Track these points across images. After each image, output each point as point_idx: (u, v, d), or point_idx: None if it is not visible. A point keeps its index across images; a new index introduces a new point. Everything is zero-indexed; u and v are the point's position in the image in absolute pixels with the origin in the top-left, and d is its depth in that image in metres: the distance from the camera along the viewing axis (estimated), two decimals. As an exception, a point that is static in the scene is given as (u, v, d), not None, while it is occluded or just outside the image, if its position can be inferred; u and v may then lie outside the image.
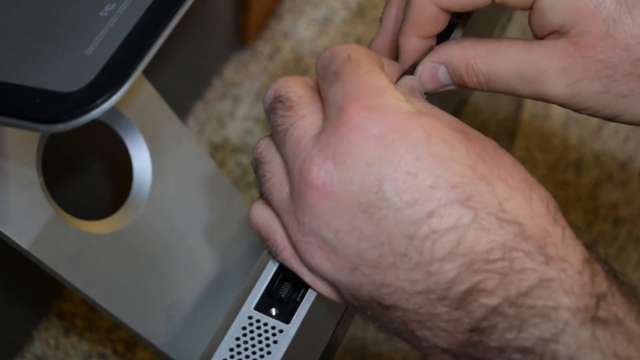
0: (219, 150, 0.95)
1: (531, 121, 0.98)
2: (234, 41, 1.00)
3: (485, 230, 0.44)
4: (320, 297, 0.48)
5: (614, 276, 0.45)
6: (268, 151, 0.48)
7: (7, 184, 0.58)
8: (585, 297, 0.43)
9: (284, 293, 0.48)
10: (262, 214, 0.49)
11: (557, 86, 0.51)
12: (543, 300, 0.43)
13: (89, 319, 0.84)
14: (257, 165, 0.49)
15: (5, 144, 0.59)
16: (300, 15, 1.04)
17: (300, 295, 0.48)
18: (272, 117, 0.48)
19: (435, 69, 0.52)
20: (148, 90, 0.68)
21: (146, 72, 0.63)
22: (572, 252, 0.44)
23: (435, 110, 0.47)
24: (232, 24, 0.98)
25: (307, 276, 0.47)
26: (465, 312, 0.44)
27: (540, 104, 0.99)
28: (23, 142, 0.60)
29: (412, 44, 0.52)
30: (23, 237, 0.59)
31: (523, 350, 0.43)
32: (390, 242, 0.44)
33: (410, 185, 0.44)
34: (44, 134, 0.61)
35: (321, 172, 0.45)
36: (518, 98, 0.88)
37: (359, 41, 1.02)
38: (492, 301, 0.43)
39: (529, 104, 0.98)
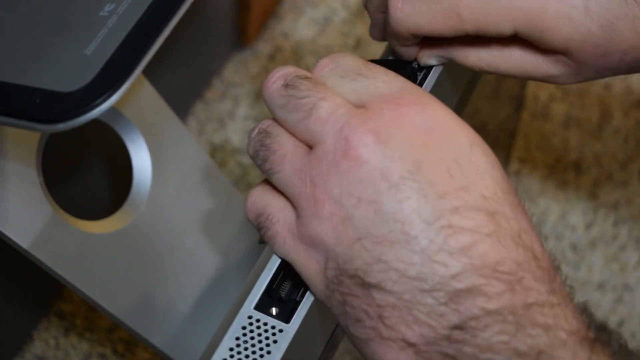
0: (219, 150, 0.94)
1: (531, 121, 0.98)
2: (234, 41, 1.00)
3: (501, 245, 0.44)
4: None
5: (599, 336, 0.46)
6: (275, 127, 0.48)
7: (7, 184, 0.58)
8: (582, 331, 0.44)
9: (284, 293, 0.48)
10: (262, 196, 0.48)
11: (567, 81, 0.53)
12: (544, 318, 0.43)
13: (89, 319, 0.84)
14: (262, 137, 0.48)
15: (5, 144, 0.59)
16: (300, 15, 1.04)
17: (300, 295, 0.48)
18: (291, 91, 0.47)
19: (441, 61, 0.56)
20: (148, 90, 0.68)
21: (146, 72, 0.63)
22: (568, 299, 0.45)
23: None
24: (232, 24, 0.98)
25: (295, 243, 0.47)
26: (453, 310, 0.43)
27: (540, 103, 0.98)
28: (23, 142, 0.60)
29: (397, 47, 0.55)
30: (23, 237, 0.59)
31: (516, 352, 0.43)
32: (404, 222, 0.44)
33: (445, 181, 0.44)
34: (44, 134, 0.61)
35: (361, 144, 0.45)
36: (518, 98, 0.89)
37: (358, 41, 1.02)
38: (491, 305, 0.43)
39: (529, 104, 0.98)
